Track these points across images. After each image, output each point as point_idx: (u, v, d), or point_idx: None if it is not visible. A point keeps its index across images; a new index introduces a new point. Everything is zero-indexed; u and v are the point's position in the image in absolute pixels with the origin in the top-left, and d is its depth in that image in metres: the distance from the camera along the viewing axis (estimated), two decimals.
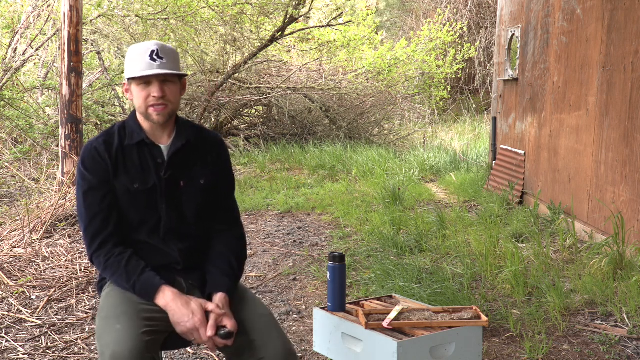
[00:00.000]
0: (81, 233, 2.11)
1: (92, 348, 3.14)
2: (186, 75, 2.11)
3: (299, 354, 3.07)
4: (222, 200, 2.18)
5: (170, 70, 1.99)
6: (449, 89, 13.03)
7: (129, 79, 2.02)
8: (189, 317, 1.89)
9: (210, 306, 1.93)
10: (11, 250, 4.54)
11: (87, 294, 3.87)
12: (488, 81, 15.48)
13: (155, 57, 1.97)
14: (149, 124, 2.06)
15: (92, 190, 2.01)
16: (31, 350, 3.11)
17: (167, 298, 1.93)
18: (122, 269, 1.97)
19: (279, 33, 10.12)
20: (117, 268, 1.97)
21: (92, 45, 9.69)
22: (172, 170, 2.07)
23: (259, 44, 10.26)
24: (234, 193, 2.25)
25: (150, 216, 2.05)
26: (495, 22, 9.29)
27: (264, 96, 10.44)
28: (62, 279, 4.06)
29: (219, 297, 1.99)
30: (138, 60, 1.98)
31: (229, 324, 1.92)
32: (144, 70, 1.97)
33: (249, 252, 4.89)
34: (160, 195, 2.05)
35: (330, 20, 10.88)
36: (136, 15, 9.18)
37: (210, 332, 1.88)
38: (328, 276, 2.46)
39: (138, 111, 2.05)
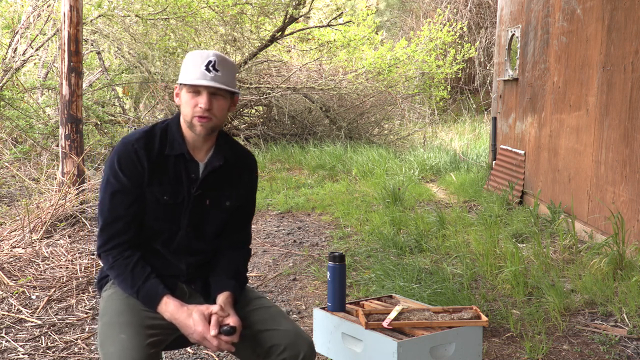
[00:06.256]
0: (96, 228, 2.07)
1: (92, 348, 3.14)
2: (238, 93, 2.05)
3: None
4: (240, 224, 2.17)
5: (223, 84, 1.95)
6: (449, 89, 13.03)
7: (180, 83, 1.99)
8: (193, 328, 1.87)
9: (214, 309, 1.91)
10: (11, 250, 4.54)
11: (87, 294, 3.87)
12: (488, 81, 15.48)
13: (210, 68, 1.94)
14: (191, 135, 2.02)
15: (122, 193, 1.97)
16: (31, 350, 3.11)
17: (170, 310, 1.90)
18: (128, 273, 1.94)
19: (279, 33, 10.12)
20: (122, 270, 1.95)
21: (92, 45, 9.68)
22: (203, 188, 2.05)
23: (259, 44, 10.26)
24: (252, 219, 2.24)
25: (169, 228, 2.03)
26: (495, 22, 9.28)
27: (264, 96, 10.44)
28: (62, 279, 4.06)
29: (223, 296, 1.97)
30: (193, 68, 1.95)
31: (231, 321, 1.90)
32: (197, 79, 1.94)
33: None
34: (185, 211, 2.03)
35: (330, 20, 10.88)
36: (136, 15, 9.18)
37: (213, 331, 1.86)
38: (328, 276, 2.46)
39: (184, 118, 2.01)
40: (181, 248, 2.06)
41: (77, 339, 3.24)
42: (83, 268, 4.24)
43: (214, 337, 1.86)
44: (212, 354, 3.05)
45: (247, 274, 4.37)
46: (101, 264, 2.12)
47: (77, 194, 5.53)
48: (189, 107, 1.97)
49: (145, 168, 1.97)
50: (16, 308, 3.62)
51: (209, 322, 1.88)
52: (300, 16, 10.64)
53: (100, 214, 2.01)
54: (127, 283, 1.95)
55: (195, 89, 1.95)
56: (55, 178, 6.16)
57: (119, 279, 1.97)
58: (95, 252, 2.06)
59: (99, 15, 8.89)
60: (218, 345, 1.87)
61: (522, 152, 6.65)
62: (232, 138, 2.19)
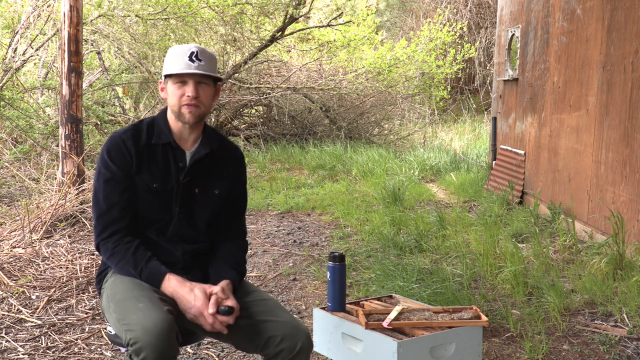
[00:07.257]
0: (93, 221, 2.13)
1: (92, 348, 3.15)
2: (221, 80, 2.12)
3: None
4: (232, 216, 2.23)
5: (207, 72, 2.04)
6: (449, 89, 13.03)
7: (165, 76, 2.07)
8: (192, 303, 1.93)
9: (215, 289, 1.96)
10: (11, 250, 4.54)
11: (87, 294, 3.87)
12: (488, 81, 15.48)
13: (194, 59, 2.03)
14: (178, 126, 2.11)
15: (114, 181, 2.04)
16: (31, 350, 3.11)
17: (173, 285, 1.96)
18: (130, 255, 2.00)
19: (279, 33, 10.11)
20: (124, 255, 2.01)
21: (92, 45, 9.68)
22: (191, 176, 2.12)
23: (259, 44, 10.26)
24: (244, 212, 2.29)
25: (162, 216, 2.10)
26: (495, 22, 9.28)
27: (264, 96, 10.44)
28: (62, 279, 4.06)
29: (223, 282, 2.01)
30: (177, 60, 2.04)
31: (229, 303, 1.95)
32: (182, 69, 2.02)
33: (248, 252, 4.89)
34: (175, 198, 2.10)
35: (330, 20, 10.87)
36: (136, 15, 9.18)
37: (211, 309, 1.91)
38: (328, 276, 2.46)
39: (171, 109, 2.09)
40: (175, 236, 2.11)
41: (77, 339, 3.24)
42: (83, 268, 4.24)
43: (210, 315, 1.91)
44: (212, 354, 3.05)
45: (247, 274, 4.37)
46: (101, 259, 2.15)
47: (77, 194, 5.53)
48: (176, 97, 2.05)
49: (134, 157, 2.05)
50: (16, 308, 3.62)
51: (209, 301, 1.93)
52: (300, 16, 10.63)
53: (95, 205, 2.08)
54: (129, 266, 2.00)
55: (182, 79, 2.04)
56: (55, 178, 6.16)
57: (121, 264, 2.01)
58: (94, 243, 2.11)
59: (99, 15, 8.89)
60: (213, 323, 1.92)
61: (522, 152, 6.65)
62: (218, 132, 2.27)
